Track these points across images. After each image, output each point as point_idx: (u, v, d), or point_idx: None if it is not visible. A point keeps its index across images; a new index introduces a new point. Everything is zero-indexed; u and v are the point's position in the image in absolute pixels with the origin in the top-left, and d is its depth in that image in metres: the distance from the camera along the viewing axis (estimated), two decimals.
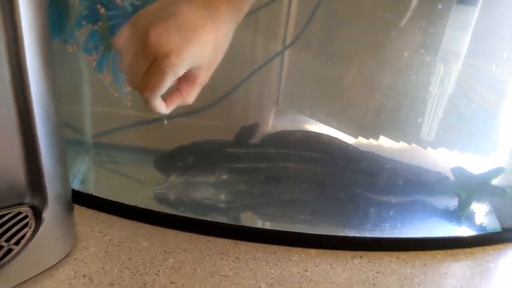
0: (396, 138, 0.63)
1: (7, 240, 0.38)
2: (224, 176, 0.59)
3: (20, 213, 0.40)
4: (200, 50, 0.35)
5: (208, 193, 0.57)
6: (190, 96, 0.39)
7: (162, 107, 0.38)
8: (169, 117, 0.46)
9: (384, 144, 0.63)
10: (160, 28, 0.34)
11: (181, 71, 0.35)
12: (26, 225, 0.39)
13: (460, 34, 0.52)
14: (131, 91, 0.53)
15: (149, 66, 0.35)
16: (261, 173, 0.60)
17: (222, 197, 0.57)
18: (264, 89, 0.64)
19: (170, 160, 0.59)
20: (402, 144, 0.63)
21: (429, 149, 0.62)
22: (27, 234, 0.39)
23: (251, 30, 0.58)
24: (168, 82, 0.36)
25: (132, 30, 0.36)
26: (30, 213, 0.40)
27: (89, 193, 0.52)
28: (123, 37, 0.37)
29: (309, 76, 0.63)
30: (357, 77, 0.62)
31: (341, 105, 0.64)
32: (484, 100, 0.60)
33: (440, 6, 0.52)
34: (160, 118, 0.59)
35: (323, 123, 0.62)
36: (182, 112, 0.58)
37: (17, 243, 0.38)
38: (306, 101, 0.66)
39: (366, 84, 0.62)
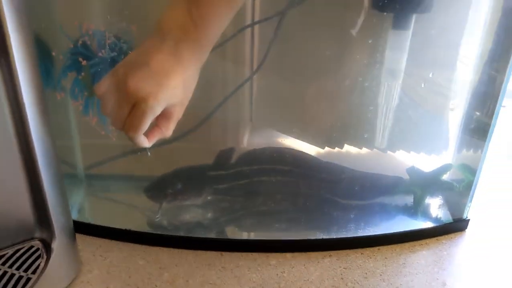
0: (359, 146, 0.71)
1: (25, 271, 0.44)
2: (208, 197, 0.66)
3: (32, 246, 0.46)
4: (172, 91, 0.42)
5: (194, 213, 0.64)
6: (168, 130, 0.46)
7: (145, 143, 0.45)
8: (152, 147, 0.53)
9: (349, 151, 0.71)
10: (137, 76, 0.40)
11: (158, 111, 0.42)
12: (39, 256, 0.46)
13: (398, 54, 0.61)
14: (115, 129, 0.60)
15: (131, 109, 0.42)
16: (239, 189, 0.67)
17: (208, 215, 0.64)
18: (239, 110, 0.71)
19: (159, 189, 0.65)
20: (365, 150, 0.71)
21: (389, 153, 0.71)
22: (40, 264, 0.45)
23: (221, 60, 0.65)
24: (149, 121, 0.42)
25: (113, 79, 0.42)
26: (40, 246, 0.47)
27: (88, 222, 0.59)
28: (104, 85, 0.43)
29: (277, 95, 0.71)
30: (319, 95, 0.70)
31: (307, 119, 0.72)
32: (430, 104, 0.68)
33: (380, 32, 0.60)
34: (143, 149, 0.65)
35: (293, 136, 0.70)
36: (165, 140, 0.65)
37: (33, 272, 0.44)
38: (277, 117, 0.73)
39: (327, 100, 0.70)
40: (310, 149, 0.68)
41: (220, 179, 0.66)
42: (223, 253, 0.57)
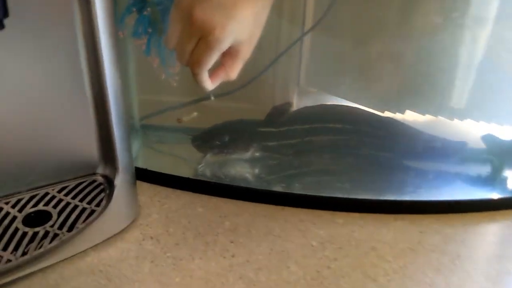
0: (422, 111, 0.65)
1: (88, 203, 0.42)
2: (256, 153, 0.62)
3: (94, 181, 0.44)
4: (241, 25, 0.38)
5: (251, 166, 0.61)
6: (233, 70, 0.43)
7: (208, 82, 0.42)
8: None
9: (410, 118, 0.65)
10: (204, 7, 0.37)
11: (225, 46, 0.38)
12: (101, 191, 0.44)
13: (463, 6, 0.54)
14: (178, 72, 0.57)
15: (196, 43, 0.38)
16: (295, 147, 0.63)
17: (265, 170, 0.60)
18: (285, 71, 0.67)
19: (206, 140, 0.62)
20: (428, 117, 0.65)
21: (456, 121, 0.65)
22: (104, 198, 0.43)
23: (273, 15, 0.61)
24: (214, 56, 0.39)
25: (177, 10, 0.39)
26: (103, 181, 0.44)
27: (145, 168, 0.56)
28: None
29: (330, 55, 0.66)
30: (382, 51, 0.64)
31: (365, 81, 0.66)
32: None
33: None
34: (198, 100, 0.63)
35: (347, 99, 0.65)
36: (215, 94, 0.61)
37: (97, 205, 0.42)
38: (328, 79, 0.69)
39: (391, 57, 0.64)
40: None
41: (270, 136, 0.63)
42: (285, 207, 0.54)
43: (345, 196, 0.55)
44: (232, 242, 0.47)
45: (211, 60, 0.39)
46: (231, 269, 0.43)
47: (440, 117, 0.65)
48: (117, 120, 0.42)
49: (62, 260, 0.42)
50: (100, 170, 0.45)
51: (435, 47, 0.61)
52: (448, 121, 0.65)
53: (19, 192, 0.42)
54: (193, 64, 0.40)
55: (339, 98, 0.66)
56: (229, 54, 0.41)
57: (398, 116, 0.65)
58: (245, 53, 0.42)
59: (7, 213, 0.40)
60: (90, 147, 0.44)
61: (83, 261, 0.43)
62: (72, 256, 0.43)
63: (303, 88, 0.68)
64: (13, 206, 0.41)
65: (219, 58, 0.41)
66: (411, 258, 0.47)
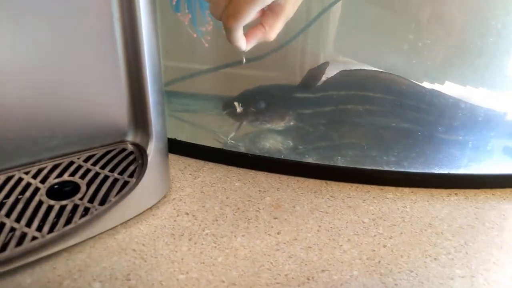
0: (463, 82, 0.60)
1: (120, 174, 0.37)
2: (291, 122, 0.57)
3: (124, 149, 0.40)
4: None
5: (287, 137, 0.56)
6: (273, 30, 0.38)
7: (242, 41, 0.37)
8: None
9: (450, 89, 0.60)
10: None
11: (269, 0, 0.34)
12: (133, 160, 0.39)
13: None
14: (210, 31, 0.52)
15: None
16: (331, 115, 0.57)
17: (302, 141, 0.55)
18: (315, 39, 0.61)
19: (241, 105, 0.57)
20: (469, 89, 0.60)
21: (498, 92, 0.60)
22: (136, 169, 0.38)
23: None
24: (255, 10, 0.34)
25: None
26: (134, 149, 0.40)
27: (174, 137, 0.51)
28: None
29: (363, 23, 0.60)
30: (421, 18, 0.59)
31: (401, 49, 0.61)
32: None
33: None
34: (227, 65, 0.57)
35: (380, 68, 0.60)
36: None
37: (130, 176, 0.37)
38: (359, 49, 0.63)
39: (432, 25, 0.59)
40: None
41: (306, 102, 0.57)
42: (329, 182, 0.49)
43: (393, 169, 0.50)
44: (276, 218, 0.42)
45: (250, 15, 0.34)
46: (278, 248, 0.38)
47: (481, 88, 0.60)
48: (152, 79, 0.38)
49: (90, 238, 0.38)
50: (130, 137, 0.40)
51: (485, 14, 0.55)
52: (490, 92, 0.60)
53: (39, 161, 0.37)
54: (228, 17, 0.34)
55: (371, 67, 0.61)
56: (271, 11, 0.36)
57: (437, 86, 0.60)
58: (289, 11, 0.37)
59: (28, 184, 0.35)
60: (119, 111, 0.39)
61: (113, 239, 0.38)
62: (101, 233, 0.38)
63: (333, 57, 0.63)
64: (34, 177, 0.36)
65: (257, 15, 0.36)
66: (471, 235, 0.42)
